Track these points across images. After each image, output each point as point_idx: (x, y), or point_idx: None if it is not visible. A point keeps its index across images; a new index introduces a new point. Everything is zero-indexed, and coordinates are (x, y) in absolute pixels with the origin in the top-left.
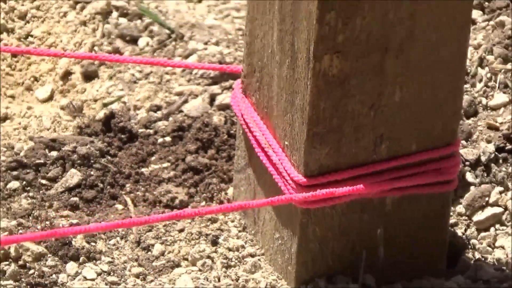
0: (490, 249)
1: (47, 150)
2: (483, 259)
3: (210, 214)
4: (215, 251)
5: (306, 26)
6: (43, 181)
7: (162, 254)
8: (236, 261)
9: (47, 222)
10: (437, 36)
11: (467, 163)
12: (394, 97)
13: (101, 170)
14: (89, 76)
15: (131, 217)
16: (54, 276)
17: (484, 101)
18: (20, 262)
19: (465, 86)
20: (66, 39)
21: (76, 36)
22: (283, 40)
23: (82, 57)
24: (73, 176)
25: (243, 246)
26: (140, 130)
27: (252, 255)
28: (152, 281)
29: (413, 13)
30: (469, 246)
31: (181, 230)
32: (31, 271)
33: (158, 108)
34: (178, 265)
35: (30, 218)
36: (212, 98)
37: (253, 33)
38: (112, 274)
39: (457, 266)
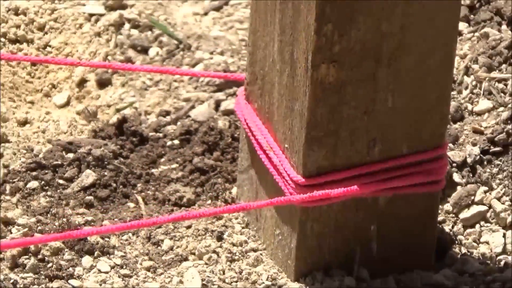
0: (475, 244)
1: (64, 152)
2: (469, 253)
3: (214, 215)
4: (220, 246)
5: (304, 37)
6: (60, 181)
7: (171, 248)
8: (240, 255)
9: (64, 219)
10: (426, 46)
11: (454, 164)
12: (386, 103)
13: (114, 171)
14: (103, 84)
15: (142, 214)
16: (70, 269)
17: (469, 107)
18: (39, 256)
19: (452, 93)
20: (82, 49)
21: (91, 46)
22: (283, 50)
23: (96, 65)
24: (88, 176)
25: (246, 242)
26: (150, 134)
27: (254, 250)
28: (161, 273)
29: (403, 26)
30: (456, 242)
31: (188, 227)
32: (50, 265)
33: (167, 113)
34: (186, 259)
35: (48, 215)
36: (217, 104)
37: (255, 44)
38: (124, 267)
39: (445, 260)
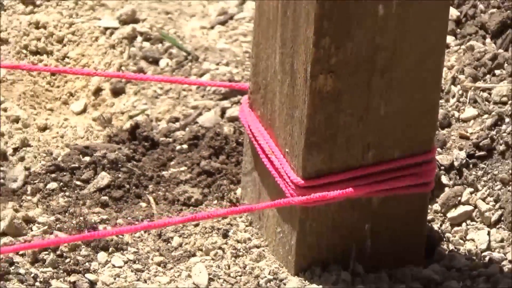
0: (462, 241)
1: (81, 156)
2: (456, 250)
3: (219, 217)
4: (226, 243)
5: (304, 50)
6: (78, 182)
7: (180, 245)
8: (244, 251)
9: (81, 218)
10: (416, 58)
11: (442, 167)
12: (379, 111)
13: (128, 173)
14: (117, 92)
15: (153, 213)
16: (87, 264)
17: (456, 114)
18: (58, 252)
19: (440, 101)
20: (98, 60)
21: (106, 58)
22: (284, 61)
23: (111, 75)
24: (103, 178)
25: (249, 239)
26: (161, 139)
27: (257, 247)
28: (171, 268)
29: (395, 39)
30: (444, 239)
31: (196, 225)
32: (67, 260)
33: (176, 119)
34: (194, 255)
35: (66, 214)
36: (223, 111)
37: (258, 56)
38: (137, 262)
39: (434, 256)
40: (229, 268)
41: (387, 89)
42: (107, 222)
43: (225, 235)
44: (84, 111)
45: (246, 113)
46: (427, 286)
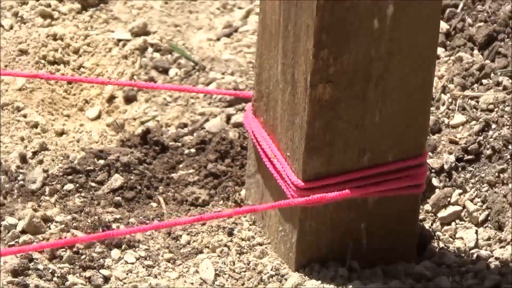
0: (451, 239)
1: (95, 159)
2: (446, 247)
3: (224, 217)
4: (231, 241)
5: (304, 61)
6: (93, 184)
7: (188, 243)
8: (248, 248)
9: (96, 217)
10: (409, 69)
11: (433, 170)
12: (374, 118)
13: (139, 175)
14: (129, 100)
15: (163, 213)
16: (101, 260)
17: (446, 121)
18: (74, 249)
19: (431, 108)
20: (111, 70)
21: (119, 67)
22: (285, 71)
23: (123, 84)
24: (117, 180)
25: (253, 237)
26: (170, 143)
27: (260, 244)
28: (180, 264)
29: (389, 52)
30: (435, 237)
31: (203, 224)
32: (83, 256)
33: (185, 125)
34: (201, 252)
35: (82, 213)
36: (228, 117)
37: (261, 66)
38: (148, 258)
39: (425, 253)
40: (234, 264)
41: (382, 98)
42: (120, 221)
43: (230, 234)
44: (98, 117)
45: (250, 120)
46: (419, 282)
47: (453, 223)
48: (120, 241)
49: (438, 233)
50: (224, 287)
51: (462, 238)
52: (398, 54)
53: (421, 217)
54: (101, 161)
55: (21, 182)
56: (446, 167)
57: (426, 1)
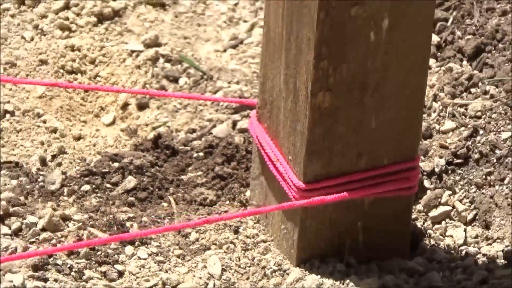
0: (442, 237)
1: (110, 162)
2: (436, 245)
3: (230, 219)
4: (237, 238)
5: (305, 71)
6: (108, 185)
7: (197, 240)
8: (252, 245)
9: (111, 216)
10: (403, 78)
11: (425, 173)
12: (371, 124)
13: (151, 177)
14: (142, 107)
15: (173, 212)
16: (116, 256)
17: (437, 127)
18: (91, 246)
19: (423, 115)
20: (125, 79)
21: (132, 77)
22: (288, 81)
23: (136, 92)
24: (130, 182)
25: (257, 234)
26: (180, 147)
27: (264, 241)
28: (189, 260)
29: (385, 63)
30: (426, 235)
31: None
32: (99, 252)
33: (193, 131)
34: (209, 248)
35: (98, 212)
36: (234, 123)
37: (265, 76)
38: (159, 254)
39: (417, 250)
40: (239, 260)
41: (378, 105)
42: (133, 219)
43: (236, 231)
44: (113, 123)
45: (255, 126)
46: (412, 276)
47: (443, 222)
48: (134, 238)
49: (429, 231)
50: (230, 281)
51: (451, 236)
52: (392, 65)
53: (413, 216)
54: (116, 164)
55: (41, 183)
56: (437, 170)
57: (419, 15)
